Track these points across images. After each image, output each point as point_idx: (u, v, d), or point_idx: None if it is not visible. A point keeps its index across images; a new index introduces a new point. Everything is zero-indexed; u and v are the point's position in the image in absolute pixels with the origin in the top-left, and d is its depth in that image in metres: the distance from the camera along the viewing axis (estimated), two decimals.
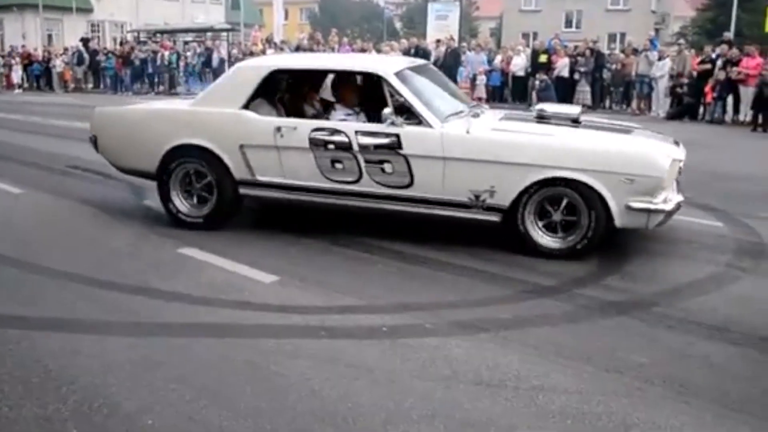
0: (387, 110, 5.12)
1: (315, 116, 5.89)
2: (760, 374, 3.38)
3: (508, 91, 19.20)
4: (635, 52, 17.49)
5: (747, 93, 15.17)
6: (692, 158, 5.96)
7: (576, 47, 18.66)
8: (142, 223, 6.00)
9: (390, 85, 5.26)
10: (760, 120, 14.45)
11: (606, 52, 18.48)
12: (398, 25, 57.74)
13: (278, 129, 5.39)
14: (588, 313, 4.06)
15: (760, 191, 7.75)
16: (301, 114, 5.88)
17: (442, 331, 3.79)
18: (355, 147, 5.20)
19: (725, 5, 35.18)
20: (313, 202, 5.49)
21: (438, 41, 21.45)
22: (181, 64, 24.67)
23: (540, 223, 5.05)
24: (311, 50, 21.90)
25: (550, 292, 4.38)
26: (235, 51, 24.63)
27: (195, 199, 5.81)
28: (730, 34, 18.66)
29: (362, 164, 5.23)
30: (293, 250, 5.25)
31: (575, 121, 5.50)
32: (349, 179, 5.30)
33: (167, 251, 5.21)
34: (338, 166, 5.29)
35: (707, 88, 15.85)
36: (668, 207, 4.88)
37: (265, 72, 5.67)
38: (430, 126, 5.10)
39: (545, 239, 5.03)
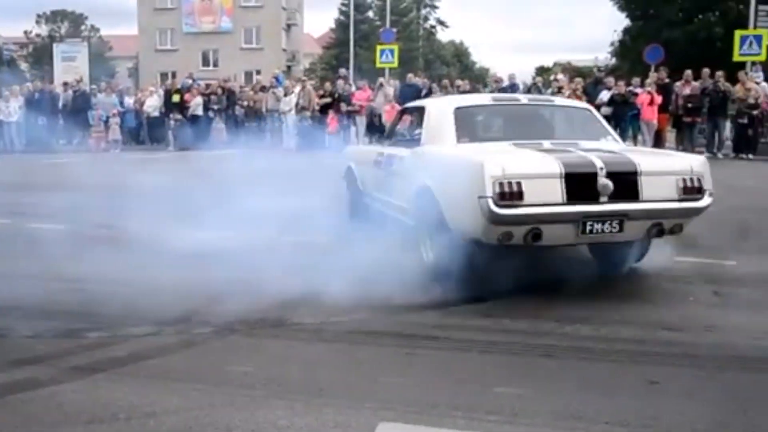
0: None
1: None
2: (345, 365, 3.99)
3: (144, 132, 19.08)
4: (264, 89, 18.62)
5: (362, 121, 17.10)
6: None
7: (208, 86, 19.27)
8: None
9: None
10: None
11: (237, 89, 19.32)
12: (24, 66, 53.44)
13: None
14: (202, 338, 4.38)
15: None
16: None
17: (57, 379, 3.80)
18: None
19: (346, 43, 38.97)
20: None
21: (65, 84, 20.50)
22: None
23: None
24: None
25: (169, 324, 4.61)
26: None
27: None
28: (344, 71, 20.83)
29: None
30: None
31: None
32: None
33: None
34: None
35: (330, 120, 17.52)
36: None
37: None
38: None
39: None
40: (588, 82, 17.35)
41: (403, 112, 7.75)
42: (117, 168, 13.53)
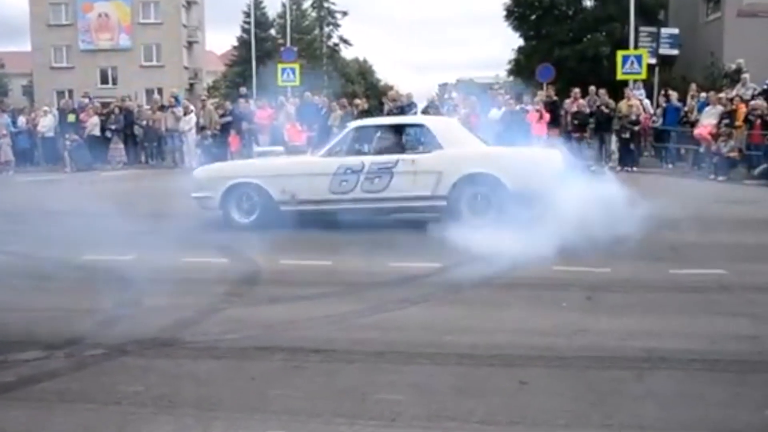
0: None
1: None
2: (236, 380, 4.13)
3: (39, 153, 18.52)
4: (163, 108, 18.42)
5: (265, 140, 17.18)
6: None
7: (105, 105, 18.89)
8: None
9: None
10: None
11: (135, 109, 19.02)
12: None
13: None
14: (93, 360, 4.43)
15: None
16: None
17: None
18: None
19: (249, 61, 38.86)
20: None
21: None
22: None
23: None
24: None
25: (60, 347, 4.63)
26: None
27: None
28: (245, 89, 20.86)
29: None
30: None
31: None
32: None
33: None
34: None
35: (231, 139, 17.49)
36: None
37: None
38: None
39: None
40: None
41: (360, 129, 9.36)
42: (10, 191, 13.12)
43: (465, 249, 7.32)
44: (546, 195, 7.81)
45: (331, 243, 8.05)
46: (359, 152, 9.06)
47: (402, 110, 17.32)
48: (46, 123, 18.36)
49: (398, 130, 9.42)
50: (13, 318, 5.34)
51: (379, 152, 8.96)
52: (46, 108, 19.63)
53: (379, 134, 9.41)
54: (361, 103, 18.39)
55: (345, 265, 6.91)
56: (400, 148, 9.10)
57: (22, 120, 19.06)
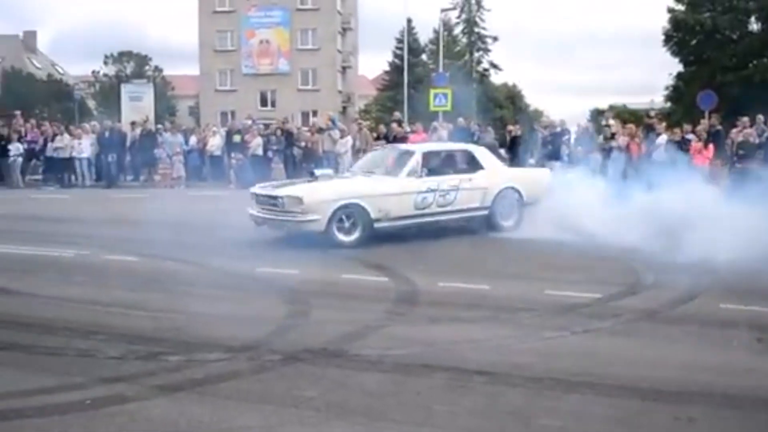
0: None
1: None
2: (402, 394, 4.32)
3: (207, 170, 19.87)
4: (320, 130, 19.25)
5: None
6: None
7: (267, 126, 19.98)
8: None
9: None
10: None
11: (295, 131, 19.96)
12: (92, 104, 55.69)
13: None
14: (270, 364, 4.78)
15: None
16: None
17: (142, 396, 4.23)
18: None
19: (400, 85, 39.80)
20: None
21: (133, 123, 21.51)
22: None
23: None
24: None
25: (240, 351, 5.03)
26: None
27: None
28: (398, 114, 21.38)
29: None
30: None
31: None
32: None
33: None
34: None
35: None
36: None
37: None
38: None
39: None
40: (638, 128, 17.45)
41: (426, 154, 10.60)
42: (180, 204, 14.20)
43: (624, 281, 7.26)
44: (540, 202, 10.59)
45: (486, 266, 8.22)
46: (430, 173, 10.24)
47: (555, 136, 17.16)
48: (215, 142, 19.70)
49: (451, 154, 11.15)
50: (196, 321, 5.84)
51: (442, 173, 10.41)
52: (214, 129, 21.06)
53: (439, 158, 10.84)
54: (514, 128, 18.37)
55: (502, 290, 6.99)
56: (455, 170, 10.69)
57: (193, 139, 20.55)
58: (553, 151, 16.87)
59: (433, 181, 10.16)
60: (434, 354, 4.97)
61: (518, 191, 10.76)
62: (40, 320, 5.89)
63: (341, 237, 9.44)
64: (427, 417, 3.95)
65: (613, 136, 16.36)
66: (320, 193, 9.58)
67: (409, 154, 10.59)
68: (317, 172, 10.62)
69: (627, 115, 29.34)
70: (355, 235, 9.51)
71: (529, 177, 11.63)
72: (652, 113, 22.61)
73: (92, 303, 6.51)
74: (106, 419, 3.93)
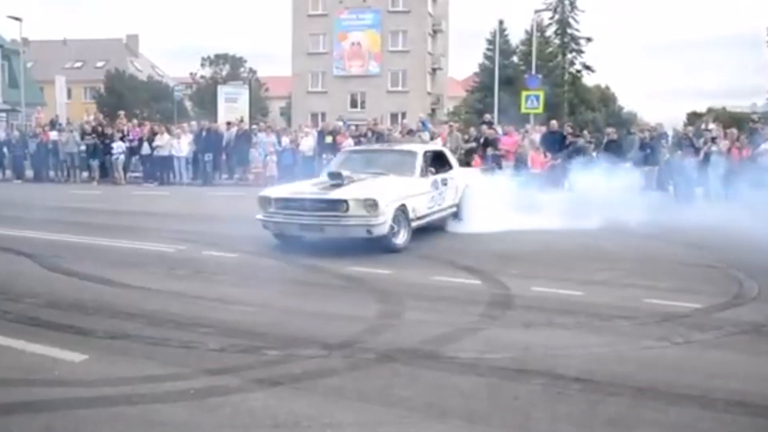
0: None
1: None
2: (498, 398, 4.29)
3: (299, 170, 20.22)
4: (411, 132, 19.31)
5: (510, 166, 17.35)
6: None
7: (357, 127, 20.20)
8: None
9: None
10: None
11: (386, 132, 20.10)
12: (189, 104, 57.73)
13: None
14: (366, 363, 4.83)
15: None
16: None
17: (244, 388, 4.36)
18: None
19: (490, 87, 39.48)
20: None
21: (229, 123, 22.17)
22: None
23: None
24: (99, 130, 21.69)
25: (336, 348, 5.11)
26: (16, 132, 23.67)
27: None
28: (489, 116, 21.20)
29: None
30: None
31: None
32: None
33: None
34: None
35: (474, 163, 17.88)
36: None
37: None
38: None
39: None
40: (741, 132, 16.72)
41: (425, 154, 11.04)
42: None
43: (726, 291, 6.98)
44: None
45: (581, 272, 8.05)
46: (428, 173, 10.66)
47: (652, 140, 16.64)
48: (307, 143, 20.07)
49: (434, 155, 11.51)
50: (293, 318, 5.98)
51: (437, 172, 10.87)
52: (307, 129, 21.46)
53: (430, 158, 11.12)
54: (612, 132, 17.94)
55: (597, 296, 6.83)
56: (438, 169, 11.04)
57: (285, 140, 21.00)
58: (650, 154, 16.36)
59: (436, 180, 10.64)
60: (530, 359, 4.90)
61: (471, 188, 11.54)
62: (144, 312, 6.15)
63: (394, 240, 9.30)
64: (525, 422, 3.90)
65: (713, 140, 15.74)
66: (388, 195, 9.25)
67: (413, 154, 10.79)
68: (343, 173, 9.75)
69: (727, 118, 28.15)
70: (404, 237, 9.46)
71: (474, 174, 12.76)
72: (756, 117, 21.63)
73: (195, 297, 6.75)
74: (211, 410, 4.07)
